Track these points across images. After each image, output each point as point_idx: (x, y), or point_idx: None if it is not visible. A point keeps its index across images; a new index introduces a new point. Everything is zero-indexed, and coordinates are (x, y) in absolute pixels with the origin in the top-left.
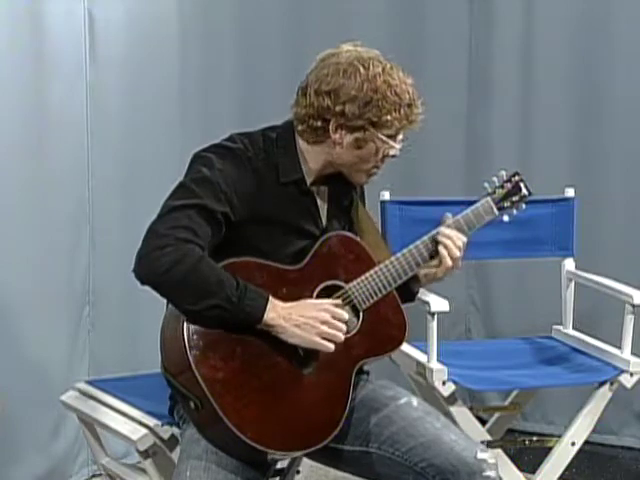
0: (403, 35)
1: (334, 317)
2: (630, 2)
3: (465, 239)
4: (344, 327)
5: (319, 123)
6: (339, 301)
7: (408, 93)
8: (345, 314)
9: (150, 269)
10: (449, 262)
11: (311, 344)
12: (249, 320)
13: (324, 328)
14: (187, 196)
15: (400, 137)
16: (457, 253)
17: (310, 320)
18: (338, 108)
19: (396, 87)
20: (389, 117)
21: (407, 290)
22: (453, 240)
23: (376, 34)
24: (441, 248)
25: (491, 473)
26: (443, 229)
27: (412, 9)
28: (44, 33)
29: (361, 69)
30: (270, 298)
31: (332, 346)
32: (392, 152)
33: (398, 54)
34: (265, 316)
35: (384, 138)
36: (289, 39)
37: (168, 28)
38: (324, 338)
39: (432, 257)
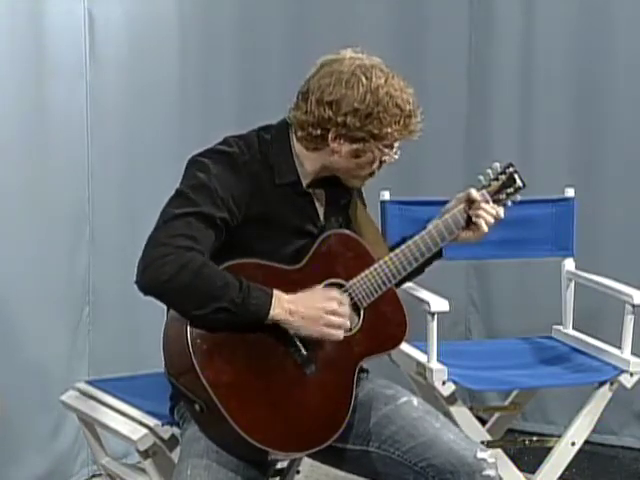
0: (403, 35)
1: (340, 303)
2: (630, 2)
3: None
4: (347, 310)
5: (318, 132)
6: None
7: (409, 103)
8: (346, 298)
9: (153, 279)
10: (484, 227)
11: (319, 335)
12: (255, 318)
13: (331, 318)
14: (185, 204)
15: (397, 144)
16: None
17: (316, 311)
18: (339, 119)
19: (397, 98)
20: (389, 129)
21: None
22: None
23: (376, 34)
24: (473, 214)
25: (491, 472)
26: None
27: (412, 9)
28: (44, 33)
29: (363, 79)
30: (274, 293)
31: (342, 334)
32: (390, 160)
33: (398, 54)
34: (271, 312)
35: (383, 149)
36: (289, 39)
37: (168, 28)
38: (331, 327)
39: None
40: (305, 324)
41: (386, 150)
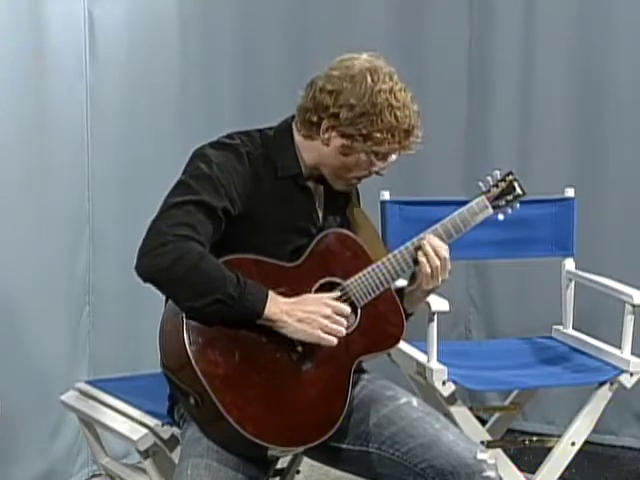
0: (403, 35)
1: (335, 311)
2: (630, 2)
3: (447, 248)
4: (345, 322)
5: (314, 118)
6: (338, 293)
7: (409, 118)
8: (347, 308)
9: (151, 266)
10: (427, 269)
11: (314, 339)
12: (249, 315)
13: (327, 322)
14: (186, 192)
15: (392, 158)
16: (437, 262)
17: (312, 315)
18: (335, 110)
19: (397, 110)
20: (380, 135)
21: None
22: (434, 248)
23: (376, 34)
24: (420, 255)
25: (491, 473)
26: (428, 235)
27: (412, 10)
28: (44, 33)
29: (369, 79)
30: (270, 293)
31: (335, 340)
32: (375, 169)
33: (398, 54)
34: (266, 311)
35: (372, 155)
36: (289, 39)
37: (168, 28)
38: (326, 332)
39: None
40: (301, 326)
41: (375, 159)
